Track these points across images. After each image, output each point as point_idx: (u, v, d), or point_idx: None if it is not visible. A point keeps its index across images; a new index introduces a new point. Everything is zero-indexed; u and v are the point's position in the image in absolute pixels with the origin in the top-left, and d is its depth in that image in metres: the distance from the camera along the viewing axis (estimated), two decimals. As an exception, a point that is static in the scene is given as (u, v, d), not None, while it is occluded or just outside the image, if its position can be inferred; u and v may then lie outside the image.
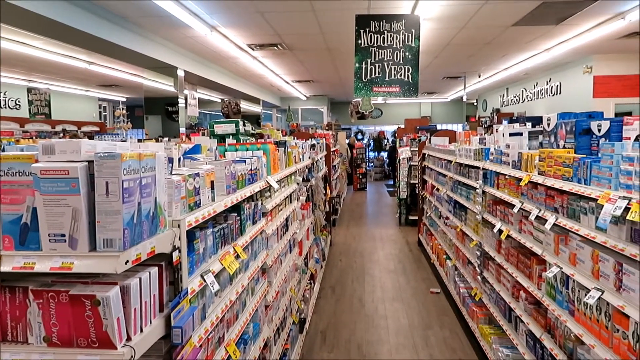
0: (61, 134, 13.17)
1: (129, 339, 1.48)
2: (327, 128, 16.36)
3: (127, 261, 1.42)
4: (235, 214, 2.69)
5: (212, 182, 2.29)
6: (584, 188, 2.54)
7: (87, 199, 1.42)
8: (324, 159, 8.95)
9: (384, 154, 22.88)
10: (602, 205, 2.28)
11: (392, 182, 19.72)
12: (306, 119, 20.07)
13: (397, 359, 4.65)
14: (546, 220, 3.01)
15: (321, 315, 5.73)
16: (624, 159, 2.24)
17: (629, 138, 2.60)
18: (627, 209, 2.09)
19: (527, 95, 13.69)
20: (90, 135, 13.24)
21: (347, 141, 18.96)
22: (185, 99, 9.55)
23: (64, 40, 6.49)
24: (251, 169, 3.06)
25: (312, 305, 5.86)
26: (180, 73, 8.87)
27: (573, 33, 7.89)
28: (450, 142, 7.63)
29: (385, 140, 22.83)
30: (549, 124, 3.47)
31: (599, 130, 2.86)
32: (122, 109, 13.01)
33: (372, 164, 22.48)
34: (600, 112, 3.38)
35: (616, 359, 2.26)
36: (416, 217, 10.02)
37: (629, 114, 9.51)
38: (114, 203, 1.40)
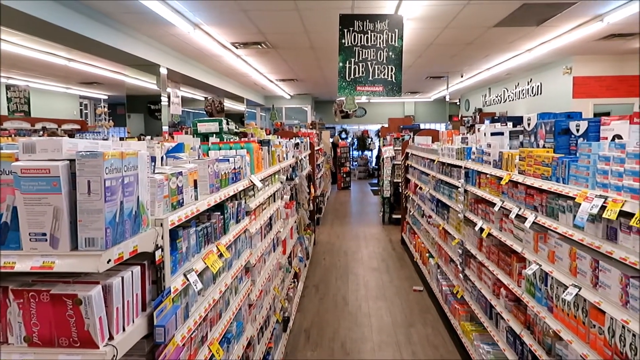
0: (41, 132, 12.96)
1: (111, 338, 1.47)
2: (311, 127, 16.38)
3: (109, 260, 1.41)
4: (219, 213, 2.69)
5: (195, 181, 2.28)
6: (562, 187, 2.60)
7: (68, 198, 1.41)
8: (307, 157, 8.95)
9: (369, 153, 23.00)
10: (580, 204, 2.33)
11: (376, 181, 19.82)
12: (290, 118, 20.06)
13: (380, 356, 4.68)
14: (526, 219, 3.07)
15: (305, 314, 5.75)
16: (601, 159, 2.29)
17: (606, 138, 2.65)
18: (603, 208, 2.14)
19: (508, 95, 13.88)
20: (71, 134, 13.04)
21: (331, 140, 18.99)
22: (168, 97, 9.48)
23: (43, 36, 6.39)
24: (234, 168, 3.05)
25: (296, 304, 5.87)
26: (163, 71, 8.80)
27: (553, 34, 8.02)
28: (433, 142, 7.70)
29: (369, 140, 22.93)
30: (529, 124, 3.53)
31: (578, 130, 2.92)
32: (104, 106, 12.84)
33: (356, 163, 22.57)
34: (578, 112, 3.45)
35: (593, 354, 2.31)
36: (399, 216, 10.09)
37: (608, 114, 9.69)
38: (96, 202, 1.40)
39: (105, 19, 6.61)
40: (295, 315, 5.66)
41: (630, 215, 1.97)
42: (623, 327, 2.07)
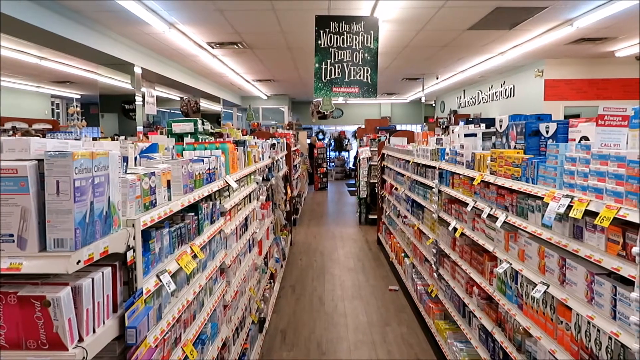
0: (10, 132, 12.64)
1: (81, 339, 1.45)
2: (288, 128, 16.36)
3: (79, 261, 1.40)
4: (193, 214, 2.68)
5: (168, 182, 2.27)
6: (531, 187, 2.66)
7: (36, 199, 1.39)
8: (284, 158, 8.95)
9: (346, 154, 23.11)
10: (548, 204, 2.39)
11: (353, 182, 19.91)
12: (267, 119, 20.00)
13: (355, 356, 4.71)
14: (497, 218, 3.13)
15: (281, 315, 5.74)
16: (567, 159, 2.35)
17: (574, 139, 2.73)
18: (570, 207, 2.20)
19: (482, 97, 14.10)
20: (42, 133, 12.75)
21: (308, 141, 19.01)
22: (143, 97, 9.35)
23: (13, 34, 6.24)
24: (209, 168, 3.04)
25: (272, 305, 5.86)
26: (138, 70, 8.68)
27: (525, 38, 8.18)
28: (408, 143, 7.78)
29: (346, 140, 23.03)
30: (501, 126, 3.60)
31: (547, 132, 2.99)
32: (76, 106, 12.60)
33: (333, 164, 22.64)
34: (548, 114, 3.52)
35: (560, 350, 2.37)
36: (376, 216, 10.16)
37: (578, 116, 9.94)
38: (65, 202, 1.38)
39: (78, 16, 6.49)
40: (271, 315, 5.65)
41: (595, 214, 2.03)
42: (588, 322, 2.13)
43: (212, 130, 5.24)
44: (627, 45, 8.73)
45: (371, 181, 10.88)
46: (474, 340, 3.79)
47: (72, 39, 6.42)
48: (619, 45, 8.72)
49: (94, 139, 6.53)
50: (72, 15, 6.35)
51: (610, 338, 1.97)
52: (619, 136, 2.22)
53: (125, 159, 2.05)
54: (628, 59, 9.73)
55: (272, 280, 6.20)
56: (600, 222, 1.94)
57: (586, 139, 2.62)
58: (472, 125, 4.86)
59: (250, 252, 4.65)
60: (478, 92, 14.39)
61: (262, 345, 4.87)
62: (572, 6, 6.29)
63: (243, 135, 7.10)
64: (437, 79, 13.50)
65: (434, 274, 4.96)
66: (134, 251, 1.78)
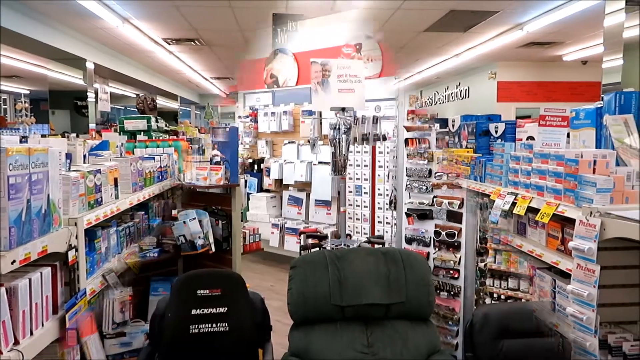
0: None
1: (16, 342, 1.40)
2: (247, 126, 16.20)
3: (14, 261, 1.35)
4: (143, 212, 2.62)
5: (115, 179, 2.21)
6: (479, 185, 2.74)
7: (-32, 196, 1.32)
8: (242, 157, 8.86)
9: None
10: (494, 201, 2.46)
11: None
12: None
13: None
14: (448, 216, 3.20)
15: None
16: (512, 158, 2.43)
17: (521, 139, 2.82)
18: (514, 204, 2.28)
19: (439, 98, 14.39)
20: (-13, 130, 12.15)
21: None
22: (96, 94, 9.07)
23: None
24: (161, 166, 2.98)
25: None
26: (90, 65, 8.42)
27: (479, 40, 8.41)
28: (366, 142, 7.84)
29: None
30: (453, 125, 3.69)
31: (496, 132, 3.08)
32: (25, 102, 12.09)
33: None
34: (498, 115, 3.63)
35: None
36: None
37: (529, 117, 10.26)
38: (-1, 200, 1.33)
39: (25, 8, 6.22)
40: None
41: (537, 211, 2.10)
42: (531, 315, 2.21)
43: (166, 128, 5.15)
44: (573, 50, 9.10)
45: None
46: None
47: (19, 32, 6.15)
48: (566, 49, 9.09)
49: (43, 136, 6.30)
50: (19, 7, 6.09)
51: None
52: (559, 136, 2.31)
53: (68, 156, 1.99)
54: (574, 63, 10.14)
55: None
56: (541, 218, 2.01)
57: (532, 138, 2.71)
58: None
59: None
60: (435, 93, 14.67)
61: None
62: (522, 11, 6.51)
63: (201, 133, 7.01)
64: (395, 79, 13.68)
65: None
66: (77, 251, 1.73)
